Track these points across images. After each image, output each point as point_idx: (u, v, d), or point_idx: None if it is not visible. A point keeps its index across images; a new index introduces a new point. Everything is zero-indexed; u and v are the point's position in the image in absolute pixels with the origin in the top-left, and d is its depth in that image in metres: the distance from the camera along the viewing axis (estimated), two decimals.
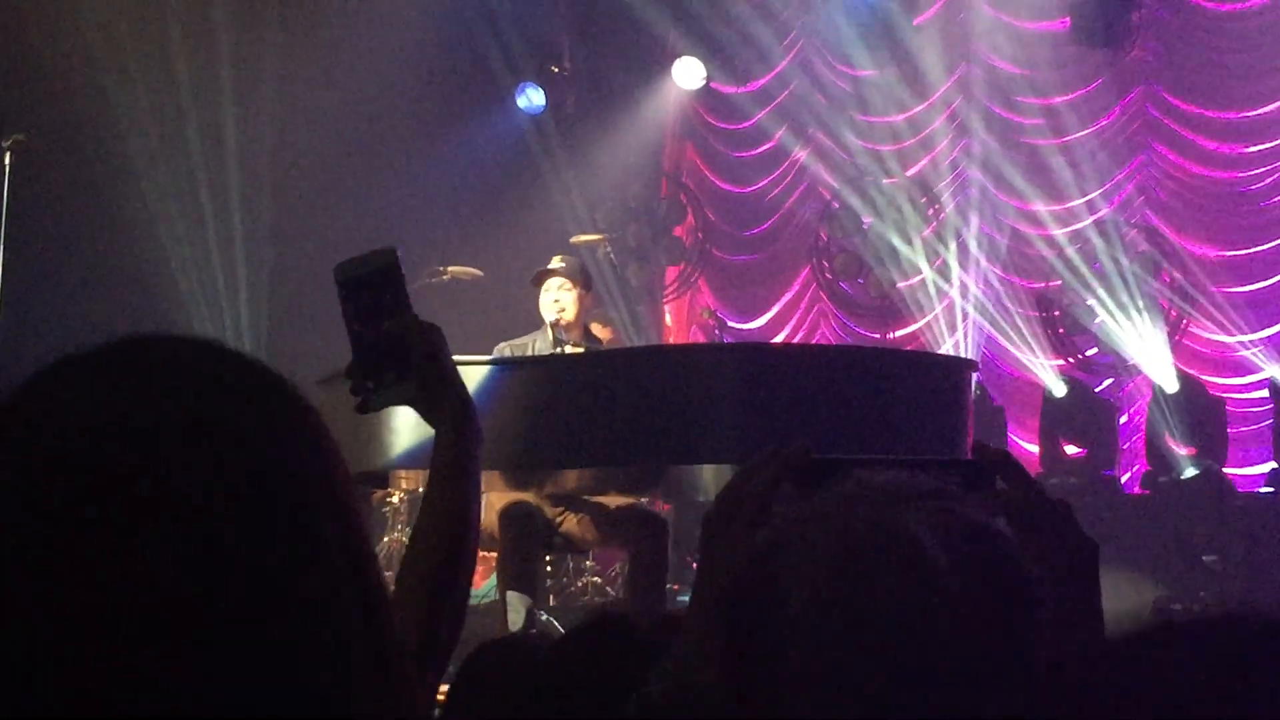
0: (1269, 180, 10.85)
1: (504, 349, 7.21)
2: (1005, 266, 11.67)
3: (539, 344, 7.29)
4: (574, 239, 11.06)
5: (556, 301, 7.26)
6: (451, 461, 2.02)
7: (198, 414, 1.06)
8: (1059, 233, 11.28)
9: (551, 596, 9.03)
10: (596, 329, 7.84)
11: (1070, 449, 10.51)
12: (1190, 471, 9.76)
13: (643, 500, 7.34)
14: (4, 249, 7.85)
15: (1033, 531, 1.59)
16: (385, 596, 1.13)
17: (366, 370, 1.99)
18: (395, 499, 9.39)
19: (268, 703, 1.01)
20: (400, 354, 1.99)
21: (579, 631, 2.36)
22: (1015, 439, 11.07)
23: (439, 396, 2.03)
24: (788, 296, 12.90)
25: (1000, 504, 1.60)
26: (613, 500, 7.02)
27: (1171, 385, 10.41)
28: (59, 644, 0.98)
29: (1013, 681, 1.25)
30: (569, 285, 7.31)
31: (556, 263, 7.48)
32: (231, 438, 1.06)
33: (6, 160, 7.95)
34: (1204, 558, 9.16)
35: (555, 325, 7.26)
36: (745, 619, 1.28)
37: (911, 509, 1.27)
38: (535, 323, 7.44)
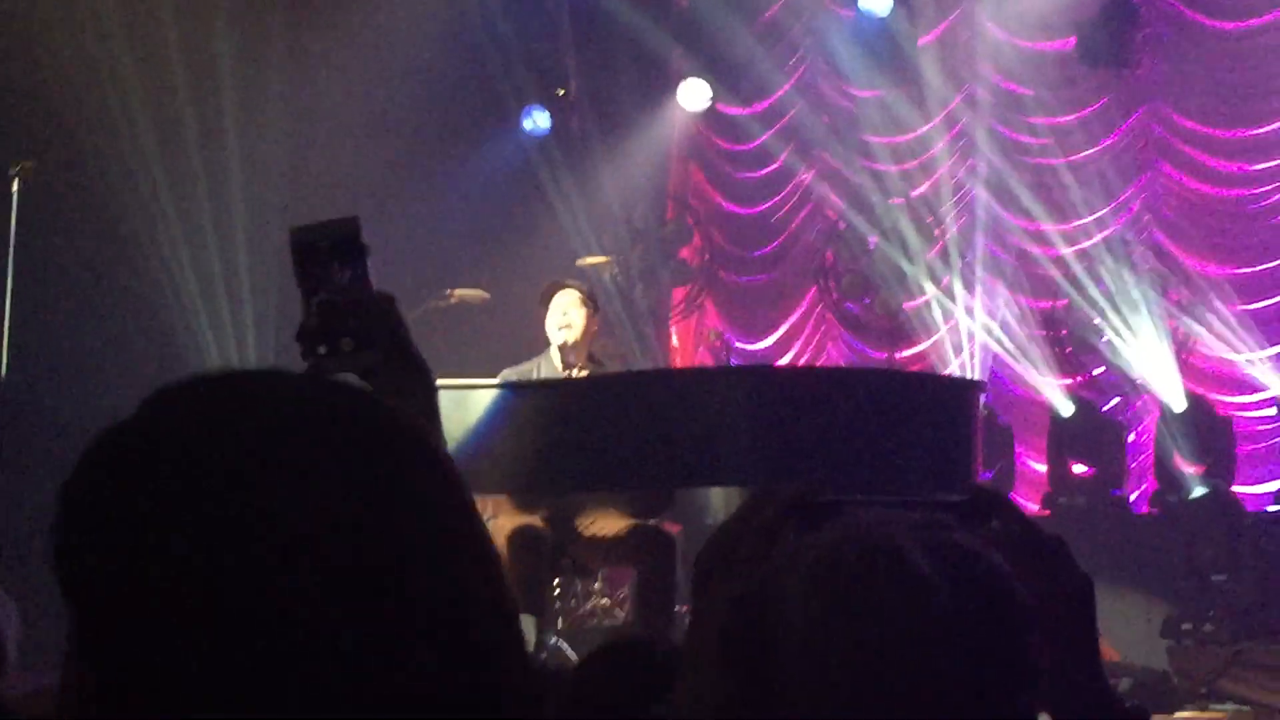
0: (1275, 198, 10.91)
1: (509, 374, 7.20)
2: (1012, 286, 11.73)
3: (543, 368, 7.33)
4: (580, 261, 11.13)
5: (565, 315, 7.29)
6: None
7: (328, 444, 1.08)
8: (1066, 251, 11.35)
9: (561, 619, 9.07)
10: (606, 358, 7.91)
11: (1078, 468, 10.54)
12: (1198, 490, 9.76)
13: (651, 521, 7.34)
14: (14, 274, 7.90)
15: (1028, 567, 1.57)
16: (514, 606, 1.16)
17: (319, 336, 1.91)
18: None
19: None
20: (361, 324, 1.92)
21: (597, 656, 2.37)
22: (1023, 458, 11.13)
23: (406, 370, 1.96)
24: (794, 317, 12.96)
25: (995, 540, 1.58)
26: (621, 522, 7.06)
27: (1179, 404, 10.45)
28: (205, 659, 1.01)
29: (1005, 699, 1.27)
30: (578, 302, 7.35)
31: (568, 280, 7.55)
32: (360, 467, 1.08)
33: (15, 187, 7.98)
34: (1213, 576, 9.13)
35: (563, 347, 7.30)
36: (743, 652, 1.30)
37: (903, 533, 1.30)
38: (541, 346, 7.49)
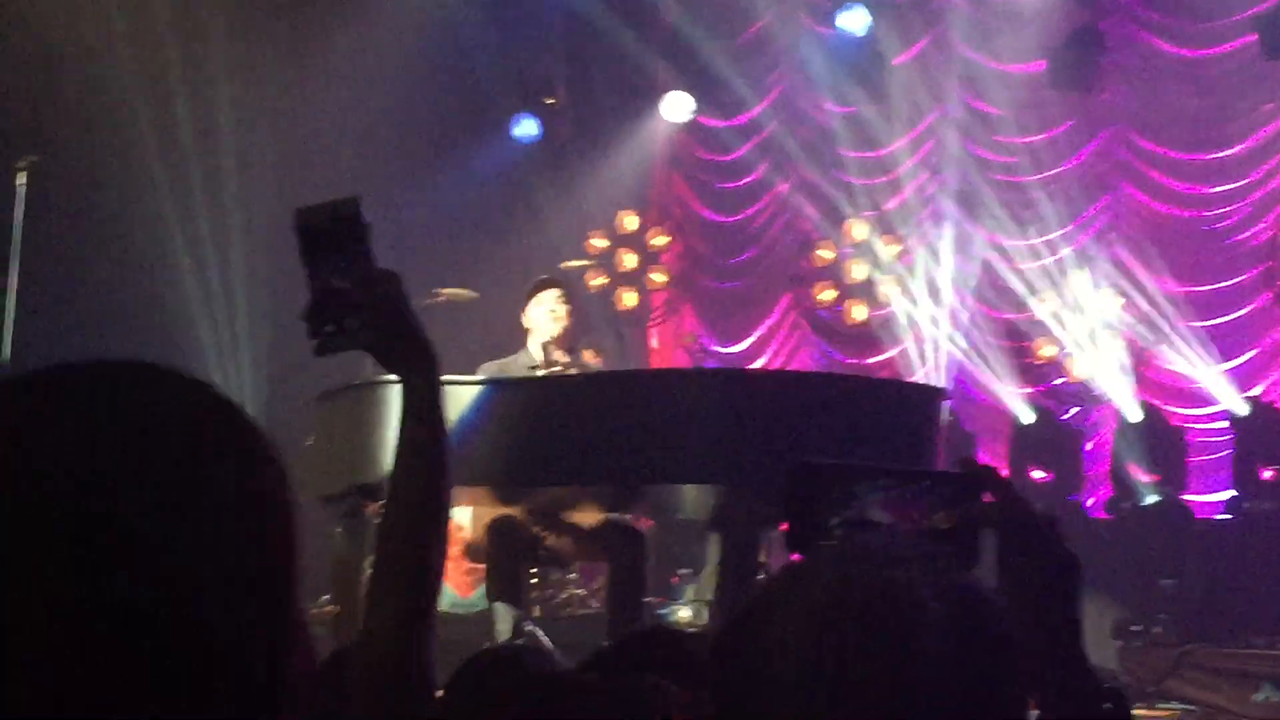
0: (1231, 219, 11.08)
1: (489, 368, 7.26)
2: (977, 297, 11.84)
3: (521, 362, 7.38)
4: (564, 265, 11.22)
5: (553, 311, 7.36)
6: (424, 408, 1.96)
7: (132, 443, 1.06)
8: (1029, 265, 11.49)
9: (538, 608, 9.23)
10: (588, 356, 8.02)
11: (1037, 474, 10.61)
12: (1151, 498, 9.88)
13: (619, 515, 7.38)
14: (20, 267, 8.02)
15: (1017, 542, 1.60)
16: (294, 633, 1.12)
17: (325, 315, 1.95)
18: None
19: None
20: (362, 301, 1.95)
21: (628, 642, 2.38)
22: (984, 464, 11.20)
23: (403, 343, 1.97)
24: (769, 323, 12.99)
25: (986, 516, 1.60)
26: (595, 515, 7.13)
27: (1135, 414, 10.59)
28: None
29: None
30: (565, 299, 7.43)
31: (556, 276, 7.69)
32: (162, 466, 1.06)
33: (23, 180, 8.10)
34: (1162, 581, 9.27)
35: (548, 341, 7.35)
36: (733, 671, 1.29)
37: (907, 568, 1.28)
38: (523, 342, 7.60)
